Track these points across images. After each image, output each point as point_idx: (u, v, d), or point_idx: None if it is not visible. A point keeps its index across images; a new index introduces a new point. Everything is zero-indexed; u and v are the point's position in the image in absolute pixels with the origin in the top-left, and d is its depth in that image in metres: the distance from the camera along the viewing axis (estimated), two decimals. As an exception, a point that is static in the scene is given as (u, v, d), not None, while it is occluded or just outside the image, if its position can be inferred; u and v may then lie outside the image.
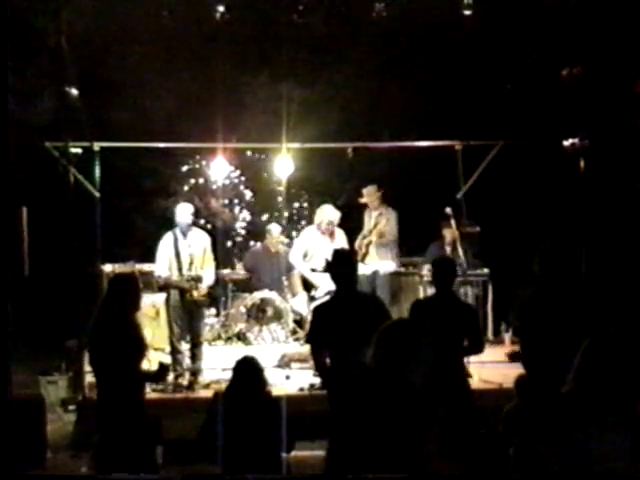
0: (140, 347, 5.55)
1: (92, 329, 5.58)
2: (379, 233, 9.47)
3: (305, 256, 9.18)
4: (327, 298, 5.82)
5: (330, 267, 5.73)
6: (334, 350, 5.37)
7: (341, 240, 9.07)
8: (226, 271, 10.39)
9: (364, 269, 9.03)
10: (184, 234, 8.09)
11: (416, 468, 3.29)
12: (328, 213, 9.08)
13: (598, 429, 2.78)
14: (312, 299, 8.86)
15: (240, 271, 10.71)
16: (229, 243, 12.63)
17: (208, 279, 8.07)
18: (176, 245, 8.01)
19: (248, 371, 5.27)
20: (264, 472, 4.88)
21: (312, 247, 9.11)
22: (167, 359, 7.42)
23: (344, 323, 5.28)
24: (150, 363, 5.98)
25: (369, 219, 9.70)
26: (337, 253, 5.83)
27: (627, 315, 5.93)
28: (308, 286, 9.35)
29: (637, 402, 2.87)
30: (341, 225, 9.27)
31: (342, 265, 5.62)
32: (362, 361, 3.43)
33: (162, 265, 8.02)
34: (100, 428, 5.51)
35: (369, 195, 9.66)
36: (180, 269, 7.92)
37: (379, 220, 9.54)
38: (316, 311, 5.79)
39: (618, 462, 2.77)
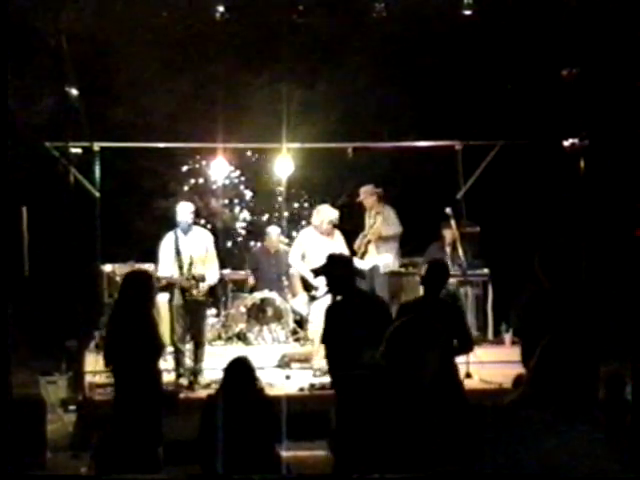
0: (158, 345, 5.65)
1: (109, 325, 5.64)
2: (377, 233, 9.55)
3: (303, 257, 9.17)
4: (340, 298, 5.77)
5: (327, 269, 5.71)
6: (347, 351, 5.31)
7: (340, 240, 9.06)
8: (226, 271, 10.38)
9: (362, 265, 9.02)
10: (185, 233, 8.08)
11: (423, 467, 3.29)
12: (328, 213, 9.06)
13: (557, 431, 2.74)
14: (312, 299, 8.85)
15: (241, 272, 10.70)
16: (230, 244, 12.62)
17: (211, 278, 8.05)
18: (177, 244, 8.00)
19: (240, 371, 5.28)
20: (259, 470, 4.89)
21: (310, 248, 9.07)
22: (168, 359, 7.43)
23: (358, 324, 5.23)
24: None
25: (368, 218, 9.79)
26: (332, 258, 5.83)
27: (627, 314, 5.92)
28: (308, 286, 9.34)
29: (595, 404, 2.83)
30: (340, 225, 9.26)
31: (338, 268, 5.61)
32: (370, 361, 3.44)
33: (164, 265, 8.01)
34: (116, 425, 5.56)
35: (364, 194, 9.83)
36: (181, 268, 7.90)
37: (376, 219, 9.65)
38: (329, 311, 5.70)
39: (584, 462, 2.73)
